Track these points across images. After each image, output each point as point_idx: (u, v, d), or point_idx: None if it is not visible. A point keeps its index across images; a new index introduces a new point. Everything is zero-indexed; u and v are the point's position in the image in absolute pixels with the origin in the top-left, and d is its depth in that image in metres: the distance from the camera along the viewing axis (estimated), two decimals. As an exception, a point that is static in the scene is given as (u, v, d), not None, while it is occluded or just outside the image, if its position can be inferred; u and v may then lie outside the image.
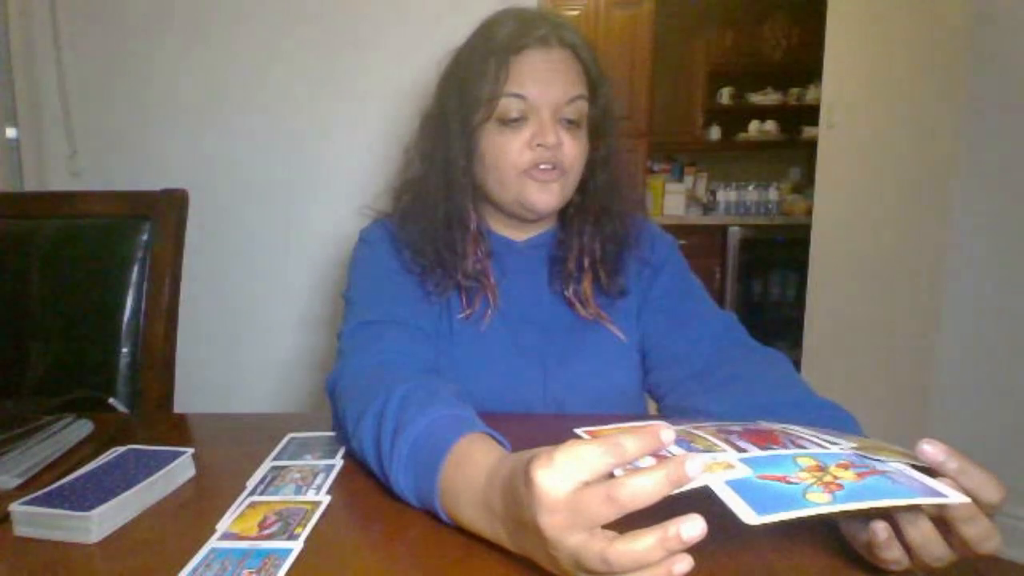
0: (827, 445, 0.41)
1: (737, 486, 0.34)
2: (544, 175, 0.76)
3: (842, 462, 0.37)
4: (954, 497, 0.35)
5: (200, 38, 1.39)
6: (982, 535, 0.38)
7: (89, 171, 1.44)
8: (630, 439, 0.37)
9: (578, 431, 0.45)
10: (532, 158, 0.76)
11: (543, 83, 0.75)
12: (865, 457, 0.38)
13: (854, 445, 0.41)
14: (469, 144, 0.78)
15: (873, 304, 2.16)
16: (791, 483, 0.35)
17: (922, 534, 0.39)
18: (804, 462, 0.37)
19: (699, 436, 0.42)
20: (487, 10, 0.81)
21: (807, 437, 0.42)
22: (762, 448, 0.40)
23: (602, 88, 0.80)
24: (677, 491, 0.34)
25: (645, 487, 0.34)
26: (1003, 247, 1.69)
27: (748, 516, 0.32)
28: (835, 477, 0.35)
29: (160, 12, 1.38)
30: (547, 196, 0.77)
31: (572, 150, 0.77)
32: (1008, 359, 1.70)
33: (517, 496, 0.40)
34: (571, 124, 0.77)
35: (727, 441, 0.41)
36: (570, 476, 0.36)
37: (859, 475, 0.36)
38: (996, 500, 0.38)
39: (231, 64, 1.39)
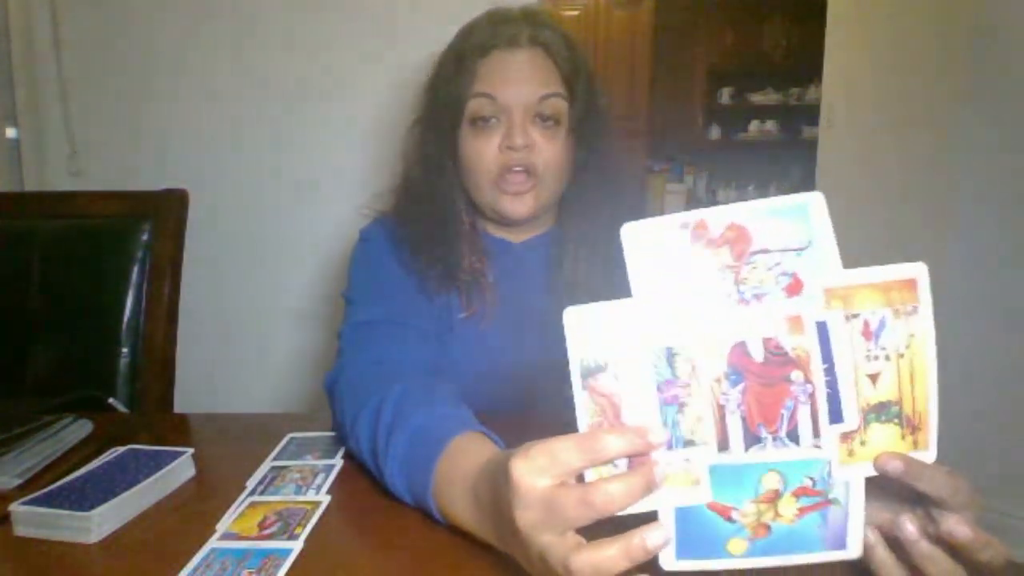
0: (819, 447, 0.38)
1: (683, 516, 0.38)
2: (515, 185, 0.76)
3: (803, 485, 0.38)
4: (852, 550, 0.38)
5: (200, 39, 1.39)
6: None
7: (89, 171, 1.44)
8: (613, 438, 0.36)
9: (569, 310, 0.38)
10: (503, 162, 0.75)
11: (509, 83, 0.74)
12: (831, 478, 0.38)
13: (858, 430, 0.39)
14: (450, 147, 0.78)
15: (873, 304, 2.16)
16: (730, 521, 0.38)
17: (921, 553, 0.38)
18: (767, 482, 0.38)
19: (695, 391, 0.38)
20: (485, 9, 0.81)
21: (817, 385, 0.38)
22: (752, 432, 0.38)
23: (582, 85, 0.77)
24: (633, 511, 0.36)
25: (618, 492, 0.35)
26: (1003, 247, 1.69)
27: (667, 561, 0.37)
28: (776, 515, 0.38)
29: (160, 13, 1.38)
30: (519, 205, 0.77)
31: (546, 151, 0.75)
32: (1008, 359, 1.70)
33: (500, 490, 0.40)
34: (548, 125, 0.76)
35: (722, 410, 0.38)
36: (544, 471, 0.36)
37: (800, 511, 0.38)
38: (966, 499, 0.37)
39: (231, 64, 1.39)
